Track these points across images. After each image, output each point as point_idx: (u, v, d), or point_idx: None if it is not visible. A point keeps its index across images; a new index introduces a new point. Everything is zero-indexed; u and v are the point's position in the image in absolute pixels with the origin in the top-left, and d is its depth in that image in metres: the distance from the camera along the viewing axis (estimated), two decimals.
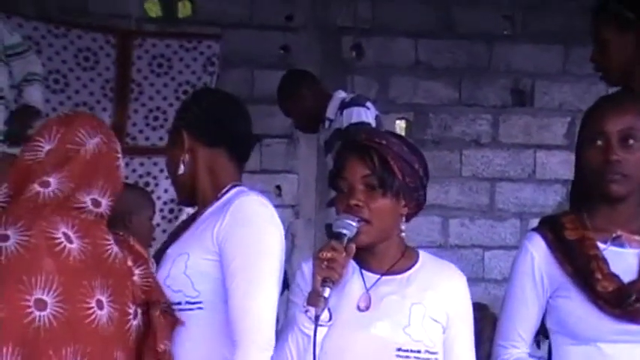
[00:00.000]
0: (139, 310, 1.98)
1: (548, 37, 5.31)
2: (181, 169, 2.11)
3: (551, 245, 2.16)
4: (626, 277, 2.11)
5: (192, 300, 2.02)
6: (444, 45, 5.27)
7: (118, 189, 2.02)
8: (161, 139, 4.79)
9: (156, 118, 4.79)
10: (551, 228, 2.19)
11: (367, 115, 4.00)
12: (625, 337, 2.10)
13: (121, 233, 2.03)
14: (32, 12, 4.68)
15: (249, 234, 2.01)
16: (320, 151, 4.95)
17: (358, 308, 2.01)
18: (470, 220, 5.26)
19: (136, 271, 1.98)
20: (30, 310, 1.84)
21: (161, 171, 4.77)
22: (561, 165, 5.36)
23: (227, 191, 2.11)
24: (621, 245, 2.15)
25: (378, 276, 2.04)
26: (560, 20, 5.28)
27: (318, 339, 1.96)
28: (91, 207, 1.96)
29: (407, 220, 2.05)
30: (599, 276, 2.10)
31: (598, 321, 2.10)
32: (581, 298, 2.11)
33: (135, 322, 1.97)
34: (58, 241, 1.90)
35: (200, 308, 2.02)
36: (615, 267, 2.12)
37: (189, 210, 4.67)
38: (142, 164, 4.70)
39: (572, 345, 2.14)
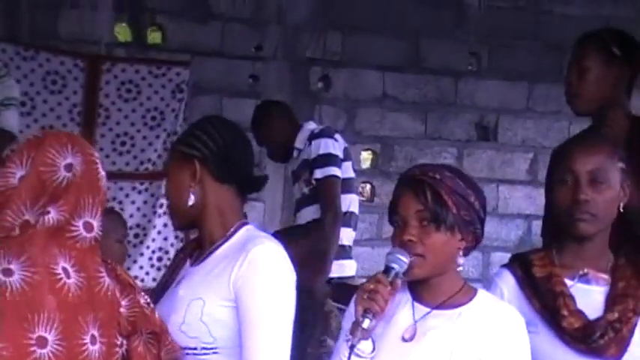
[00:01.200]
0: (124, 341, 1.98)
1: (513, 74, 5.40)
2: (192, 199, 2.08)
3: (520, 281, 2.20)
4: (592, 313, 2.15)
5: (209, 346, 2.02)
6: (411, 79, 5.33)
7: (105, 202, 2.01)
8: (127, 164, 4.78)
9: (123, 144, 4.78)
10: (520, 265, 2.23)
11: (335, 146, 4.03)
12: None
13: (109, 261, 2.02)
14: (2, 33, 4.66)
15: (267, 284, 2.02)
16: (287, 180, 4.96)
17: (403, 339, 2.00)
18: None
19: (123, 302, 1.98)
20: (32, 348, 1.84)
21: (127, 196, 4.76)
22: (523, 200, 5.44)
23: (236, 230, 2.11)
24: (588, 282, 2.19)
25: (429, 309, 2.02)
26: (525, 58, 5.38)
27: None
28: (84, 233, 1.95)
29: (465, 255, 2.04)
30: (565, 312, 2.14)
31: (564, 356, 2.13)
32: (548, 333, 2.14)
33: (120, 354, 1.97)
34: (59, 277, 1.90)
35: (215, 353, 2.03)
36: (582, 304, 2.15)
37: (154, 235, 4.73)
38: (107, 189, 4.66)
39: None
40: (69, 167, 1.95)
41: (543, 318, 2.15)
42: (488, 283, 2.30)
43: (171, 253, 4.62)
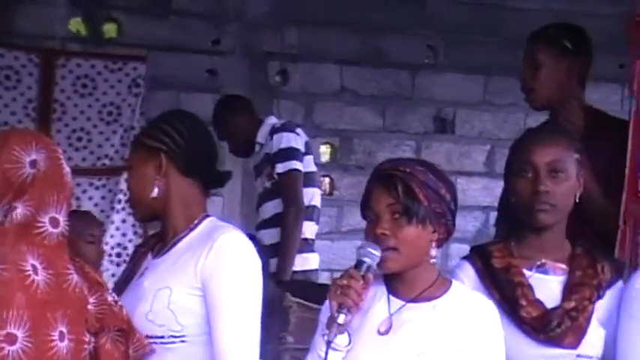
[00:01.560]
0: (92, 339, 1.98)
1: (469, 68, 5.44)
2: (155, 192, 2.10)
3: (479, 273, 2.22)
4: (550, 303, 2.18)
5: (177, 334, 2.03)
6: (369, 72, 5.35)
7: (71, 198, 2.02)
8: (84, 159, 4.74)
9: (79, 139, 4.74)
10: (479, 256, 2.26)
11: (297, 140, 4.04)
12: None
13: (77, 259, 2.02)
14: None
15: (234, 273, 2.04)
16: (245, 175, 4.95)
17: (378, 332, 2.01)
18: None
19: (91, 299, 1.98)
20: (2, 345, 1.85)
21: (84, 192, 4.72)
22: (481, 192, 5.48)
23: (199, 222, 2.12)
24: (545, 272, 2.23)
25: (404, 302, 2.04)
26: (481, 51, 5.42)
27: None
28: (50, 228, 1.95)
29: (438, 247, 2.06)
30: (524, 302, 2.17)
31: (523, 345, 2.16)
32: (507, 323, 2.17)
33: (88, 351, 1.97)
34: (28, 274, 1.90)
35: (183, 342, 2.04)
36: (540, 294, 2.19)
37: (112, 231, 4.68)
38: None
39: None
40: (33, 164, 1.96)
41: (502, 308, 2.18)
42: (446, 274, 2.32)
43: (130, 249, 4.60)
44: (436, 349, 1.99)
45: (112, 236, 4.70)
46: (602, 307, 2.21)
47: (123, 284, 2.18)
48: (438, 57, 5.46)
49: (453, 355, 2.01)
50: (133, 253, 2.34)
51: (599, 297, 2.20)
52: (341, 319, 1.95)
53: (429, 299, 2.04)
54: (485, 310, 2.06)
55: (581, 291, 2.19)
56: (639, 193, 2.53)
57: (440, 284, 2.07)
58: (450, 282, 2.09)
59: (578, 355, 2.17)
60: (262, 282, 2.12)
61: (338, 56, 5.27)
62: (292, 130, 4.09)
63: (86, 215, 3.43)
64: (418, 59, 5.40)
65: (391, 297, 2.05)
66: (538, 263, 2.22)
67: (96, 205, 4.74)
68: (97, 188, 4.76)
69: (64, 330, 1.92)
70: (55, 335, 1.90)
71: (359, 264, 1.98)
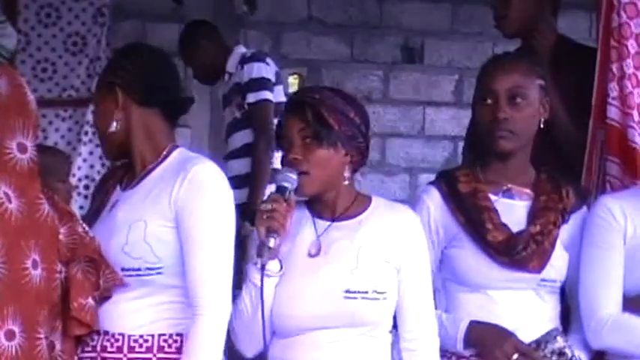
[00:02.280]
0: (63, 268, 1.99)
1: None
2: (113, 126, 2.10)
3: (445, 197, 2.25)
4: (516, 227, 2.21)
5: (153, 266, 2.03)
6: (336, 1, 5.30)
7: (37, 126, 2.00)
8: (50, 90, 4.66)
9: (44, 70, 4.66)
10: (446, 181, 2.28)
11: (267, 70, 4.02)
12: (513, 284, 2.21)
13: (46, 190, 2.01)
14: None
15: (207, 203, 2.03)
16: (212, 105, 4.92)
17: (309, 254, 2.08)
18: (361, 175, 5.35)
19: (62, 230, 1.98)
20: None
21: (50, 123, 4.66)
22: (449, 122, 5.50)
23: (169, 153, 2.11)
24: (511, 197, 2.25)
25: (329, 222, 2.11)
26: None
27: (271, 289, 2.03)
28: (18, 154, 1.93)
29: (354, 170, 2.12)
30: (489, 226, 2.20)
31: (488, 269, 2.20)
32: (472, 247, 2.21)
33: (59, 280, 1.98)
34: (1, 201, 1.89)
35: (159, 273, 2.04)
36: (505, 218, 2.22)
37: (80, 163, 4.66)
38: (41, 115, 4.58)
39: (463, 292, 2.23)
40: (2, 91, 1.93)
41: (468, 232, 2.21)
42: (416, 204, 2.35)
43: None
44: (367, 262, 2.07)
45: (79, 168, 4.66)
46: (566, 231, 2.24)
47: (92, 216, 2.17)
48: None
49: (383, 265, 2.08)
50: (99, 185, 2.33)
51: (564, 221, 2.24)
52: (271, 242, 2.01)
53: (353, 217, 2.12)
54: (407, 218, 2.14)
55: (546, 215, 2.22)
56: (606, 119, 2.55)
57: (360, 202, 2.14)
58: (370, 198, 2.16)
59: (542, 279, 2.21)
60: None
61: None
62: (263, 60, 4.06)
63: (56, 152, 3.40)
64: None
65: (316, 220, 2.12)
66: (504, 188, 2.25)
67: (62, 137, 4.69)
68: (63, 120, 4.69)
69: (37, 258, 1.92)
70: (29, 263, 1.90)
71: (280, 189, 2.05)
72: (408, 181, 5.44)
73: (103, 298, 2.05)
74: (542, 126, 2.25)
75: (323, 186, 2.09)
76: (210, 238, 2.03)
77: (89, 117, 4.58)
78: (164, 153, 2.11)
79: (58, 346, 1.99)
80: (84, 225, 2.04)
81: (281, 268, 2.05)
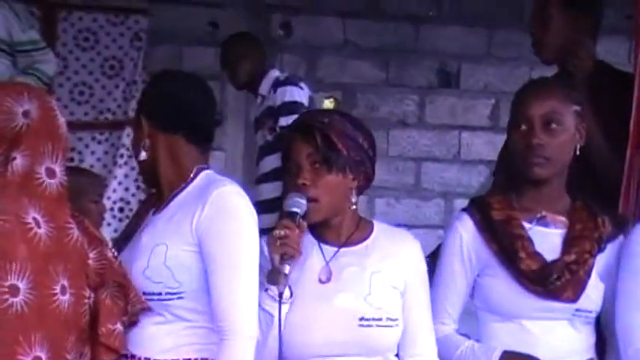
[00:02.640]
0: (92, 294, 1.98)
1: (473, 20, 5.39)
2: (142, 155, 2.12)
3: (478, 225, 2.22)
4: (550, 256, 2.17)
5: (173, 291, 2.03)
6: (372, 25, 5.30)
7: (67, 150, 2.00)
8: (86, 114, 4.73)
9: (81, 93, 4.72)
10: (479, 208, 2.25)
11: (300, 95, 4.02)
12: (547, 314, 2.17)
13: (76, 214, 2.01)
14: None
15: (231, 226, 2.02)
16: (247, 129, 4.93)
17: (320, 281, 2.07)
18: (395, 200, 5.33)
19: (91, 255, 1.97)
20: (5, 296, 1.84)
21: (86, 146, 4.71)
22: (485, 146, 5.46)
23: (195, 176, 2.11)
24: (546, 225, 2.22)
25: (336, 248, 2.10)
26: (485, 3, 5.36)
27: (281, 316, 2.00)
28: (47, 179, 1.94)
29: (359, 194, 2.12)
30: (523, 255, 2.16)
31: (521, 299, 2.16)
32: (505, 276, 2.17)
33: (88, 305, 1.97)
34: (30, 226, 1.89)
35: (180, 298, 2.03)
36: (539, 246, 2.18)
37: (115, 186, 4.69)
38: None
39: (496, 322, 2.20)
40: (26, 114, 1.94)
41: (501, 261, 2.18)
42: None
43: (133, 204, 4.60)
44: (379, 289, 2.06)
45: (114, 191, 4.70)
46: (602, 261, 2.20)
47: (123, 241, 2.18)
48: (442, 8, 5.40)
49: (392, 292, 2.08)
50: (137, 209, 2.35)
51: (600, 250, 2.20)
52: (287, 269, 1.99)
53: (358, 242, 2.12)
54: (409, 244, 2.15)
55: (581, 244, 2.18)
56: None
57: (364, 226, 2.15)
58: (372, 223, 2.17)
59: (577, 310, 2.17)
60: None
61: (340, 8, 5.21)
62: (296, 84, 4.07)
63: (90, 174, 3.42)
64: (422, 11, 5.34)
65: (323, 245, 2.11)
66: (538, 216, 2.21)
67: (98, 159, 4.74)
68: (99, 142, 4.75)
69: (66, 284, 1.92)
70: (57, 289, 1.90)
71: (290, 214, 2.04)
72: (443, 206, 5.40)
73: (131, 323, 2.05)
74: (577, 152, 2.22)
75: (331, 212, 2.09)
76: (234, 260, 2.01)
77: (125, 140, 4.63)
78: (190, 176, 2.11)
79: None
80: (113, 250, 2.04)
81: (291, 294, 2.03)
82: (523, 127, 2.19)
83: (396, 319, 2.06)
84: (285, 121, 3.97)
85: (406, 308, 2.09)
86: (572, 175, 2.25)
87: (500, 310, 2.19)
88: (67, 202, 1.98)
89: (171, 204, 2.11)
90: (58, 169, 1.96)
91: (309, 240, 2.09)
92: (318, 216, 2.07)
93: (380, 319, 2.04)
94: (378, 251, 2.11)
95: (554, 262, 2.17)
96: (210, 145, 2.20)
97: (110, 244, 2.06)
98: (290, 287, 2.02)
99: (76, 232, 1.96)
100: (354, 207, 2.12)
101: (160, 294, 2.03)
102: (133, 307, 2.03)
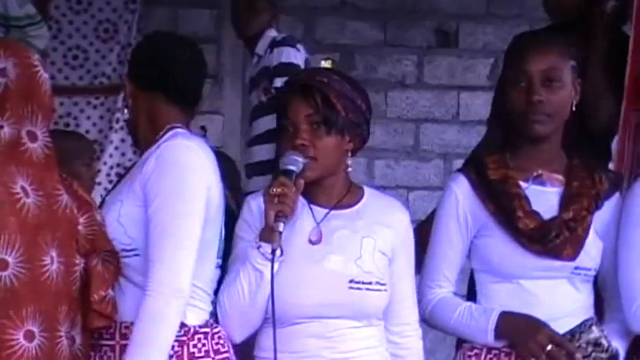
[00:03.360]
0: (82, 260, 1.94)
1: None
2: (125, 114, 2.13)
3: (474, 185, 2.19)
4: (547, 214, 2.15)
5: (128, 247, 2.00)
6: None
7: (49, 110, 1.93)
8: (81, 78, 4.67)
9: (75, 57, 4.66)
10: (474, 168, 2.22)
11: (297, 56, 3.96)
12: (546, 273, 2.15)
13: (64, 176, 1.97)
14: None
15: (169, 178, 1.98)
16: (245, 92, 4.88)
17: (310, 242, 2.05)
18: (395, 161, 5.29)
19: (81, 220, 1.93)
20: None
21: (81, 111, 4.67)
22: (484, 106, 5.37)
23: (163, 135, 2.07)
24: (542, 184, 2.19)
25: (327, 210, 2.08)
26: None
27: (270, 274, 1.98)
28: (29, 143, 1.88)
29: (352, 155, 2.10)
30: (520, 214, 2.14)
31: (520, 258, 2.14)
32: (503, 236, 2.15)
33: (78, 272, 1.93)
34: (18, 196, 1.85)
35: (137, 255, 2.00)
36: (537, 205, 2.15)
37: (111, 151, 4.67)
38: (61, 104, 4.57)
39: (495, 283, 2.18)
40: (3, 72, 1.87)
41: (498, 220, 2.15)
42: None
43: None
44: (370, 253, 2.05)
45: (110, 156, 4.67)
46: (600, 218, 2.18)
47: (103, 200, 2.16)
48: None
49: (382, 257, 2.07)
50: (126, 172, 2.33)
51: (598, 208, 2.17)
52: (281, 227, 1.98)
53: (350, 206, 2.10)
54: (399, 212, 2.13)
55: (579, 201, 2.15)
56: None
57: (355, 191, 2.13)
58: (362, 188, 2.14)
59: (576, 267, 2.15)
60: (223, 193, 2.07)
61: None
62: (293, 45, 4.01)
63: (80, 136, 3.39)
64: None
65: (313, 207, 2.09)
66: (535, 174, 2.18)
67: (94, 124, 4.70)
68: (94, 107, 4.70)
69: (54, 254, 1.88)
70: (47, 260, 1.86)
71: (287, 172, 2.01)
72: (443, 167, 5.36)
73: None
74: (574, 109, 2.18)
75: (326, 172, 2.07)
76: (165, 216, 1.96)
77: (121, 104, 4.59)
78: (160, 134, 2.07)
79: (77, 340, 1.95)
80: (102, 214, 2.01)
81: (282, 253, 2.01)
82: (522, 83, 2.14)
83: (384, 284, 2.05)
84: (280, 82, 3.92)
85: (393, 277, 2.08)
86: (567, 132, 2.22)
87: (498, 270, 2.17)
88: (55, 167, 1.93)
89: (138, 162, 2.10)
90: (39, 131, 1.90)
91: (299, 201, 2.07)
92: (314, 174, 2.05)
93: (370, 283, 2.03)
94: (368, 216, 2.09)
95: (552, 220, 2.14)
96: (194, 105, 2.17)
97: (97, 207, 2.03)
98: (281, 246, 2.00)
99: (65, 198, 1.92)
100: (349, 169, 2.10)
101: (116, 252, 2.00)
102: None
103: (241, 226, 2.08)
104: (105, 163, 4.60)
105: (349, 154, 2.09)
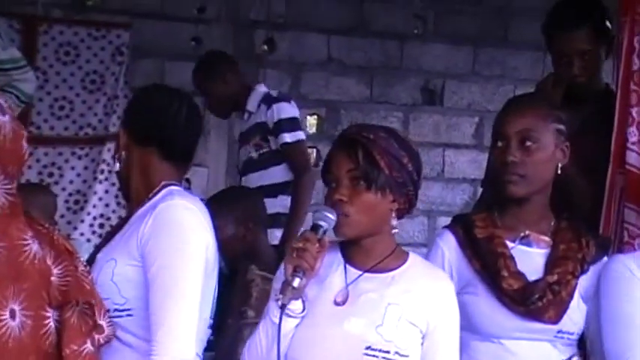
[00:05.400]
0: (56, 312, 1.88)
1: (458, 38, 5.38)
2: (116, 166, 2.11)
3: (461, 242, 2.18)
4: (532, 276, 2.14)
5: (121, 307, 1.98)
6: (356, 42, 5.28)
7: (14, 157, 1.87)
8: (66, 128, 4.67)
9: (61, 108, 4.67)
10: (462, 225, 2.21)
11: (295, 111, 3.98)
12: (528, 334, 2.13)
13: (45, 225, 1.92)
14: None
15: (169, 241, 1.97)
16: (230, 145, 4.89)
17: (335, 302, 1.98)
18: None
19: (55, 270, 1.88)
20: None
21: (66, 161, 4.66)
22: (469, 164, 5.44)
23: (158, 191, 2.07)
24: (529, 245, 2.18)
25: (361, 272, 2.01)
26: (469, 22, 5.35)
27: (290, 329, 1.94)
28: None
29: (398, 218, 2.02)
30: (505, 274, 2.13)
31: (502, 318, 2.13)
32: (487, 294, 2.14)
33: (53, 325, 1.87)
34: None
35: (130, 315, 1.98)
36: (522, 266, 2.14)
37: (95, 202, 4.65)
38: (46, 154, 4.58)
39: (477, 341, 2.16)
40: (8, 132, 1.81)
41: (483, 279, 2.14)
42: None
43: (113, 220, 4.55)
44: (393, 321, 1.97)
45: (94, 206, 4.65)
46: (585, 282, 2.17)
47: (93, 256, 2.12)
48: (427, 27, 5.39)
49: (408, 327, 1.98)
50: (114, 226, 2.32)
51: (583, 272, 2.16)
52: (296, 282, 1.92)
53: (386, 270, 2.02)
54: (443, 284, 2.04)
55: (564, 265, 2.15)
56: (626, 165, 2.49)
57: (397, 256, 2.04)
58: (407, 254, 2.06)
59: (559, 331, 2.14)
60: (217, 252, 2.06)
61: (324, 25, 5.19)
62: (289, 101, 4.03)
63: (46, 191, 3.31)
64: (406, 29, 5.33)
65: (348, 267, 2.02)
66: (522, 235, 2.17)
67: (78, 175, 4.68)
68: (79, 158, 4.69)
69: (16, 307, 1.81)
70: (6, 314, 1.78)
71: (315, 227, 1.96)
72: (427, 224, 5.37)
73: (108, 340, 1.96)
74: (559, 172, 2.18)
75: (365, 231, 1.99)
76: (168, 278, 1.95)
77: (105, 155, 4.58)
78: (154, 191, 2.07)
79: None
80: (85, 264, 1.97)
81: (304, 309, 1.96)
82: (499, 144, 2.16)
83: (405, 356, 1.95)
84: (289, 137, 3.88)
85: (430, 352, 1.98)
86: (556, 195, 2.22)
87: (480, 329, 2.15)
88: (21, 215, 1.86)
89: (130, 219, 2.08)
90: (12, 184, 1.83)
91: (335, 258, 2.02)
92: (349, 231, 1.98)
93: (387, 352, 1.94)
94: (403, 283, 2.00)
95: (536, 282, 2.13)
96: (188, 162, 2.16)
97: (79, 257, 1.97)
98: (304, 302, 1.96)
99: (34, 248, 1.85)
100: (394, 231, 2.01)
101: (108, 311, 1.97)
102: (110, 326, 1.95)
103: (277, 278, 2.03)
104: (88, 214, 4.58)
105: (394, 215, 2.00)
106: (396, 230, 2.02)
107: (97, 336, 1.94)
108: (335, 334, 1.96)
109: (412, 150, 2.04)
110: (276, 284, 2.00)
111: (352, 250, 2.02)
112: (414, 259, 2.05)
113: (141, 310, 1.97)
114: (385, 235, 2.02)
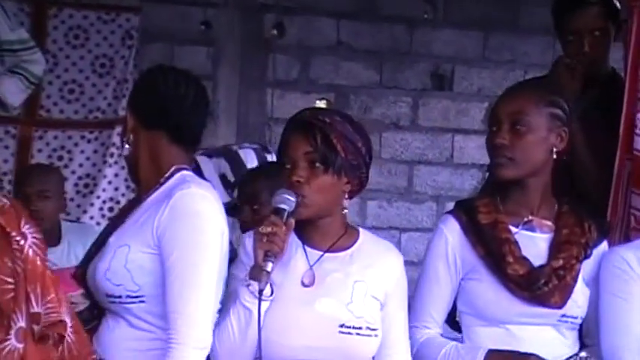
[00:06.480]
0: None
1: (468, 23, 5.36)
2: (125, 149, 2.10)
3: (464, 228, 2.19)
4: (537, 261, 2.15)
5: (133, 294, 1.99)
6: (366, 27, 5.26)
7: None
8: (76, 112, 4.68)
9: (71, 91, 4.67)
10: (465, 211, 2.22)
11: None
12: (533, 319, 2.14)
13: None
14: None
15: (187, 231, 1.98)
16: (239, 130, 4.90)
17: (302, 284, 2.03)
18: (387, 202, 5.29)
19: None
20: None
21: (76, 145, 4.67)
22: (478, 150, 5.41)
23: (170, 176, 2.06)
24: (532, 230, 2.19)
25: (321, 253, 2.06)
26: (479, 6, 5.33)
27: (260, 313, 1.97)
28: None
29: (349, 198, 2.08)
30: (510, 259, 2.13)
31: (507, 303, 2.13)
32: (491, 280, 2.14)
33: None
34: None
35: (142, 302, 1.99)
36: (526, 251, 2.15)
37: (105, 185, 4.67)
38: (55, 137, 4.59)
39: (481, 326, 2.17)
40: None
41: (487, 265, 2.15)
42: None
43: (123, 203, 4.56)
44: (361, 298, 2.03)
45: (104, 190, 4.66)
46: (588, 266, 2.18)
47: (104, 239, 2.12)
48: (437, 11, 5.37)
49: (373, 302, 2.05)
50: (122, 207, 2.32)
51: (586, 256, 2.18)
52: (269, 266, 1.96)
53: (344, 249, 2.09)
54: (394, 255, 2.12)
55: (568, 249, 2.15)
56: (634, 151, 2.48)
57: (350, 233, 2.11)
58: (358, 231, 2.13)
59: (563, 315, 2.15)
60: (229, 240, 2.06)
61: (334, 9, 5.18)
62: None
63: (40, 169, 3.32)
64: (416, 13, 5.31)
65: (307, 248, 2.07)
66: (525, 220, 2.18)
67: (88, 158, 4.69)
68: (89, 141, 4.70)
69: None
70: None
71: (278, 211, 2.00)
72: (436, 210, 5.36)
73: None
74: (554, 156, 2.17)
75: (321, 212, 2.05)
76: (188, 267, 1.96)
77: (115, 139, 4.59)
78: (166, 176, 2.07)
79: None
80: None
81: (272, 293, 2.00)
82: (493, 127, 2.17)
83: (375, 329, 2.03)
84: None
85: (385, 321, 2.06)
86: (558, 180, 2.22)
87: (485, 314, 2.16)
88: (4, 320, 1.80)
89: (143, 204, 2.07)
90: None
91: (293, 240, 2.06)
92: (307, 212, 2.03)
93: (360, 328, 2.01)
94: (362, 260, 2.07)
95: (541, 267, 2.14)
96: (196, 145, 2.16)
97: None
98: (272, 286, 1.99)
99: (12, 345, 1.79)
100: (345, 211, 2.08)
101: (120, 297, 1.99)
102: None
103: (237, 264, 2.07)
104: (98, 197, 4.59)
105: (346, 196, 2.07)
106: (347, 210, 2.09)
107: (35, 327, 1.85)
108: (308, 315, 2.01)
109: (365, 133, 2.10)
110: (236, 271, 2.04)
111: (308, 232, 2.07)
112: (364, 234, 2.13)
113: (153, 297, 1.98)
114: (338, 215, 2.08)
